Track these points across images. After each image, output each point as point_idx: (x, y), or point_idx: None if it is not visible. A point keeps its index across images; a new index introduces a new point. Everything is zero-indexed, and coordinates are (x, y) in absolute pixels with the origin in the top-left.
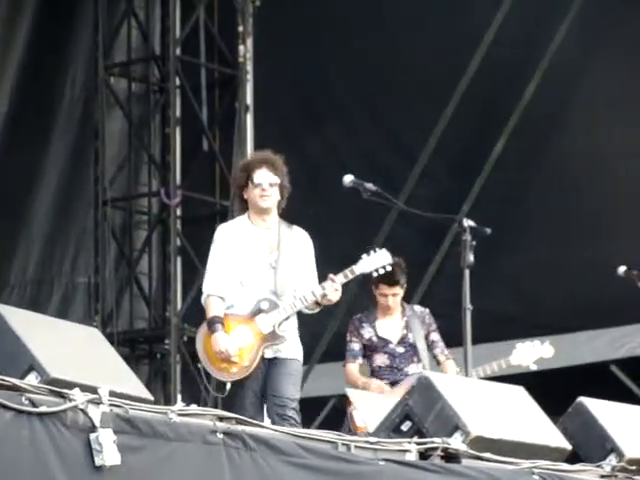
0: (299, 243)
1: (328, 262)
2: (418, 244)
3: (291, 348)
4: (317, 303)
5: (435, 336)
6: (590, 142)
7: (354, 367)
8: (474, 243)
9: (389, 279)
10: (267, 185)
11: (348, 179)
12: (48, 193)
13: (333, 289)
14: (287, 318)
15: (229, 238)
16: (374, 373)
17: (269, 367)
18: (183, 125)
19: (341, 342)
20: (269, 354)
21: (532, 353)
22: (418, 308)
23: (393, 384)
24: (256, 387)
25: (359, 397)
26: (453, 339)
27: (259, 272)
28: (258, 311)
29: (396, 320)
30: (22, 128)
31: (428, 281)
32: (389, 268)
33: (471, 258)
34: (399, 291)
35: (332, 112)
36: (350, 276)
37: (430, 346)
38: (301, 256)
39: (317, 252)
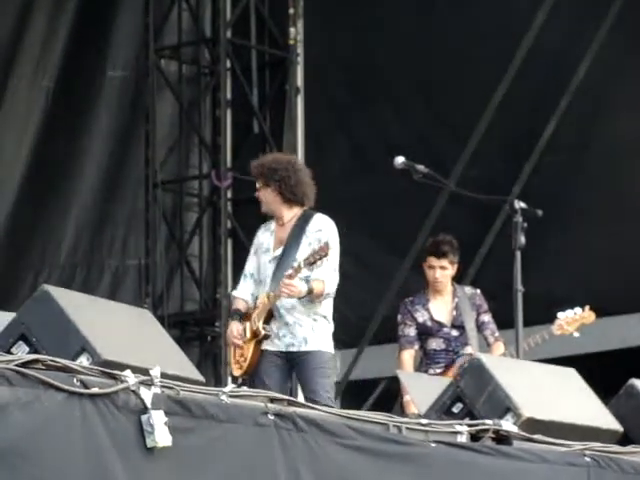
0: (312, 233)
1: (378, 244)
2: (469, 226)
3: (310, 340)
4: (311, 291)
5: (486, 317)
6: None
7: (410, 354)
8: (525, 225)
9: (436, 250)
10: (257, 194)
11: (399, 160)
12: (98, 175)
13: (284, 284)
14: (271, 313)
15: (256, 241)
16: (429, 356)
17: (293, 362)
18: (233, 107)
19: (391, 324)
20: (281, 347)
21: (574, 321)
22: (469, 289)
23: (448, 367)
24: (272, 382)
25: (410, 379)
26: (504, 321)
27: (266, 268)
28: (255, 307)
29: (447, 301)
30: (70, 107)
31: (479, 263)
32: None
33: (522, 240)
34: (447, 265)
35: (381, 94)
36: (295, 273)
37: (480, 327)
38: (309, 247)
39: (367, 234)
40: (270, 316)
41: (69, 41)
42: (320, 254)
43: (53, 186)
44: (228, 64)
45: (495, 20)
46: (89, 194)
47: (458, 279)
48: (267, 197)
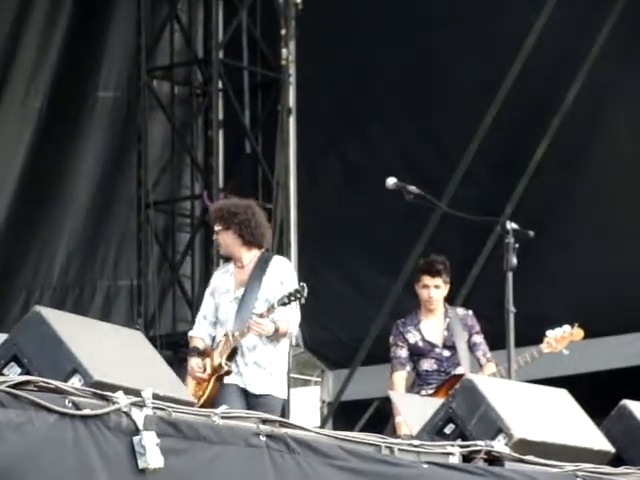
0: (271, 274)
1: (370, 265)
2: (460, 246)
3: (262, 383)
4: (277, 331)
5: (477, 338)
6: (633, 144)
7: (402, 375)
8: (517, 246)
9: (430, 269)
10: (214, 237)
11: (391, 181)
12: (90, 195)
13: (255, 323)
14: (235, 350)
15: (213, 283)
16: (421, 377)
17: (248, 399)
18: (225, 128)
19: (384, 345)
20: (240, 383)
21: (562, 338)
22: (461, 310)
23: (439, 388)
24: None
25: (402, 400)
26: (496, 341)
27: (227, 308)
28: (217, 345)
29: (439, 321)
30: (61, 128)
31: (471, 283)
32: (303, 301)
33: (514, 261)
34: (441, 284)
35: (374, 114)
36: (266, 313)
37: (472, 348)
38: (271, 286)
39: (359, 254)
40: (233, 354)
41: (60, 61)
42: (296, 296)
43: (44, 206)
44: (220, 85)
45: (487, 40)
46: (81, 214)
47: (450, 299)
48: (227, 240)
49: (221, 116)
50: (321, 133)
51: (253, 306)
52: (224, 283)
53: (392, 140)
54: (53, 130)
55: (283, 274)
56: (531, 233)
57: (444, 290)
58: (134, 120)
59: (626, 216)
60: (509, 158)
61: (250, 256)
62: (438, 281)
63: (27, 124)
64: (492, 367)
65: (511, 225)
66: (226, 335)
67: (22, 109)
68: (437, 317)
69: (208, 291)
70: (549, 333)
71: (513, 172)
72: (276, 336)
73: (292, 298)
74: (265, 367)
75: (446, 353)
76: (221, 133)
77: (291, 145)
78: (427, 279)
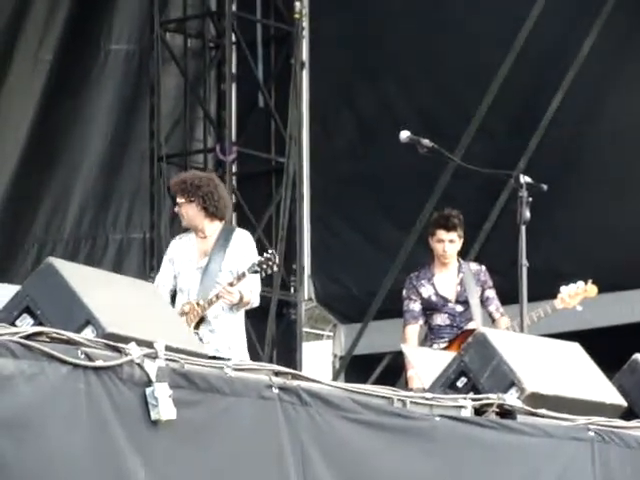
0: (234, 246)
1: (383, 219)
2: (474, 201)
3: (227, 348)
4: (241, 300)
5: (490, 293)
6: None
7: (414, 329)
8: (530, 199)
9: (446, 223)
10: (177, 209)
11: (404, 135)
12: (102, 148)
13: (226, 291)
14: (202, 319)
15: (171, 251)
16: (433, 332)
17: None
18: (239, 81)
19: (396, 299)
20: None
21: (576, 294)
22: (474, 265)
23: (452, 342)
24: None
25: (415, 354)
26: (508, 296)
27: (190, 277)
28: (181, 314)
29: (452, 276)
30: (74, 81)
31: (483, 238)
32: (275, 269)
33: (527, 214)
34: (455, 238)
35: (387, 68)
36: (236, 282)
37: (485, 303)
38: (235, 258)
39: (372, 208)
40: (200, 322)
41: (72, 14)
42: (268, 264)
43: (57, 159)
44: (233, 38)
45: None
46: (93, 167)
47: (462, 254)
48: (190, 212)
49: (234, 69)
50: (334, 87)
51: (217, 275)
52: (185, 252)
53: (406, 94)
54: (65, 83)
55: (246, 246)
56: (545, 187)
57: (458, 244)
58: (147, 73)
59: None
60: (523, 112)
61: (213, 227)
62: (453, 235)
63: (39, 77)
64: (506, 321)
65: (525, 179)
66: (190, 304)
67: (34, 62)
68: (450, 272)
69: (166, 258)
70: (563, 289)
71: (527, 126)
72: (239, 305)
73: (263, 266)
74: (228, 334)
75: (459, 308)
76: (234, 86)
77: (304, 99)
78: (442, 233)
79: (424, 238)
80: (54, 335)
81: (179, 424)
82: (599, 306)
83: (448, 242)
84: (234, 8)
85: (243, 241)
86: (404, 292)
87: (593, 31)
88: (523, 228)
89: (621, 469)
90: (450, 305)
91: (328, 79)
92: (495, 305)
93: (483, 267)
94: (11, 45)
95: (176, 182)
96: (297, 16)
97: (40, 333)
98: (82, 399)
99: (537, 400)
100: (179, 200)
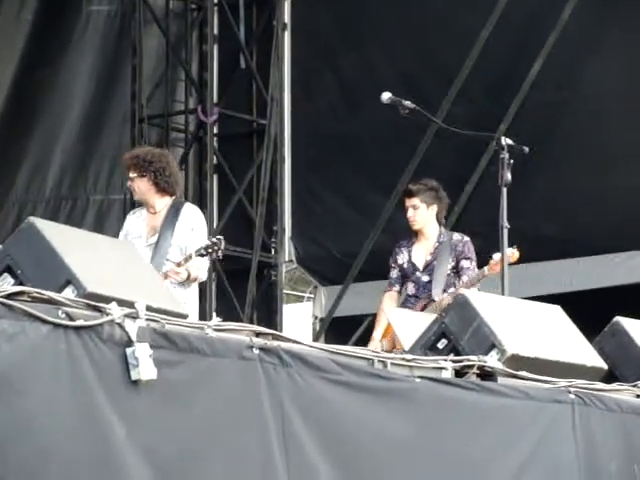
0: (183, 221)
1: (364, 181)
2: (455, 163)
3: None
4: (188, 277)
5: (465, 263)
6: (629, 64)
7: (389, 295)
8: (512, 162)
9: (407, 189)
10: (129, 184)
11: (386, 96)
12: (83, 109)
13: (173, 271)
14: None
15: (126, 227)
16: (404, 301)
17: None
18: (220, 43)
19: (376, 261)
20: None
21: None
22: (456, 236)
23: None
24: None
25: (396, 315)
26: (488, 259)
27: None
28: None
29: (428, 245)
30: (53, 41)
31: (464, 201)
32: (220, 254)
33: (509, 177)
34: (418, 204)
35: (369, 31)
36: (184, 262)
37: (459, 273)
38: (183, 233)
39: (353, 171)
40: None
41: None
42: (213, 248)
43: (38, 120)
44: None
45: None
46: (74, 128)
47: (445, 217)
48: (142, 187)
49: (216, 31)
50: (316, 49)
51: (167, 252)
52: (137, 228)
53: (388, 57)
54: (46, 44)
55: (194, 221)
56: (526, 149)
57: (424, 211)
58: (128, 34)
59: (620, 135)
60: (504, 76)
61: (163, 203)
62: (414, 201)
63: (20, 37)
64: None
65: (506, 141)
66: None
67: (15, 22)
68: (429, 241)
69: (122, 234)
70: (495, 256)
71: (508, 90)
72: (187, 282)
73: (209, 250)
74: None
75: (425, 278)
76: (216, 48)
77: (286, 61)
78: (405, 200)
79: (404, 201)
80: (35, 295)
81: (160, 384)
82: (581, 269)
83: (411, 208)
84: None
85: (191, 216)
86: (390, 259)
87: None
88: (504, 190)
89: (601, 431)
90: (417, 274)
91: (310, 41)
92: (467, 276)
93: (465, 238)
94: None
95: (128, 157)
96: None
97: (21, 292)
98: (63, 359)
99: (518, 362)
100: (131, 174)
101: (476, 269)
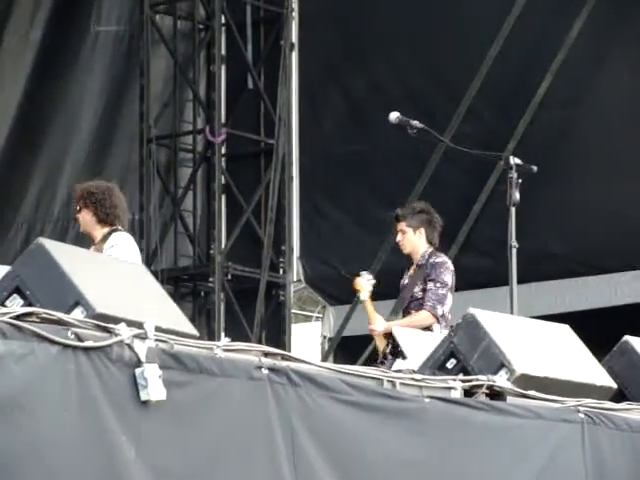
0: (107, 250)
1: (372, 200)
2: (463, 183)
3: None
4: None
5: (429, 285)
6: (637, 80)
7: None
8: (520, 181)
9: (394, 215)
10: (76, 216)
11: (394, 116)
12: (92, 129)
13: None
14: None
15: None
16: None
17: None
18: (228, 63)
19: (385, 280)
20: None
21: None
22: (433, 258)
23: None
24: None
25: (404, 334)
26: (498, 278)
27: None
28: None
29: (413, 268)
30: (62, 62)
31: (472, 220)
32: None
33: (517, 196)
34: (405, 228)
35: (377, 50)
36: None
37: (423, 294)
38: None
39: (361, 190)
40: None
41: None
42: None
43: (46, 140)
44: (223, 19)
45: None
46: (82, 149)
47: (451, 236)
48: (84, 218)
49: (223, 51)
50: (324, 68)
51: None
52: None
53: (395, 76)
54: (54, 64)
55: (115, 248)
56: (534, 168)
57: (411, 235)
58: (136, 54)
59: (628, 152)
60: (512, 94)
61: (102, 234)
62: (402, 225)
63: (28, 57)
64: (421, 314)
65: (514, 160)
66: None
67: (23, 42)
68: (415, 264)
69: None
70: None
71: (516, 108)
72: None
73: None
74: None
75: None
76: (223, 68)
77: (293, 80)
78: (395, 224)
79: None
80: (44, 315)
81: (169, 405)
82: (589, 288)
83: (399, 232)
84: None
85: (115, 237)
86: None
87: (582, 14)
88: (513, 209)
89: (611, 451)
90: (400, 296)
91: (318, 61)
92: (427, 298)
93: (438, 260)
94: (1, 25)
95: (76, 189)
96: None
97: (30, 313)
98: (72, 379)
99: (527, 381)
100: (77, 207)
101: (441, 290)
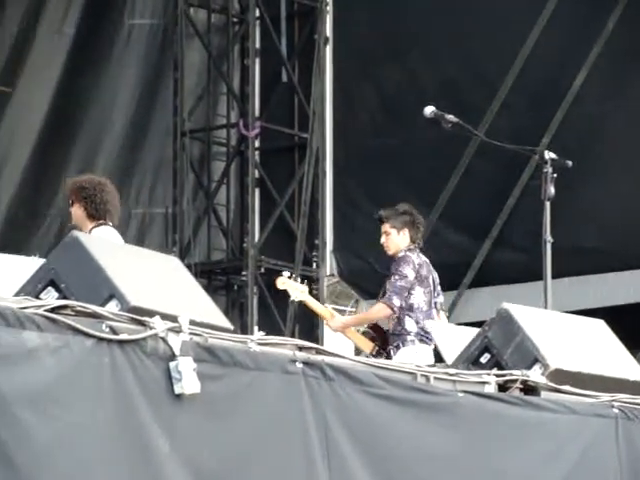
0: None
1: (406, 194)
2: (496, 177)
3: None
4: None
5: (390, 279)
6: None
7: None
8: (555, 175)
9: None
10: (70, 209)
11: (429, 110)
12: (125, 123)
13: None
14: None
15: None
16: None
17: None
18: (262, 56)
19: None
20: None
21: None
22: (402, 253)
23: None
24: None
25: (438, 329)
26: (532, 273)
27: None
28: None
29: None
30: (96, 55)
31: (506, 214)
32: None
33: (552, 191)
34: (389, 230)
35: (411, 43)
36: None
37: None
38: None
39: (395, 184)
40: None
41: None
42: None
43: (80, 133)
44: (257, 13)
45: None
46: (116, 142)
47: (486, 230)
48: (75, 213)
49: (258, 44)
50: (358, 62)
51: None
52: None
53: (429, 69)
54: (88, 57)
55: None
56: (569, 163)
57: (395, 236)
58: (170, 48)
59: None
60: (546, 88)
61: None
62: (386, 227)
63: (62, 51)
64: (374, 307)
65: (549, 154)
66: None
67: (57, 36)
68: None
69: None
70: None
71: (550, 103)
72: None
73: None
74: None
75: None
76: (257, 61)
77: (327, 74)
78: (379, 226)
79: (446, 214)
80: (79, 308)
81: (203, 398)
82: (624, 283)
83: (384, 234)
84: None
85: (93, 233)
86: None
87: (618, 8)
88: (548, 204)
89: None
90: None
91: (351, 54)
92: (385, 291)
93: (402, 254)
94: (35, 19)
95: (68, 183)
96: None
97: (65, 306)
98: (107, 372)
99: (561, 376)
100: (69, 201)
101: (399, 282)
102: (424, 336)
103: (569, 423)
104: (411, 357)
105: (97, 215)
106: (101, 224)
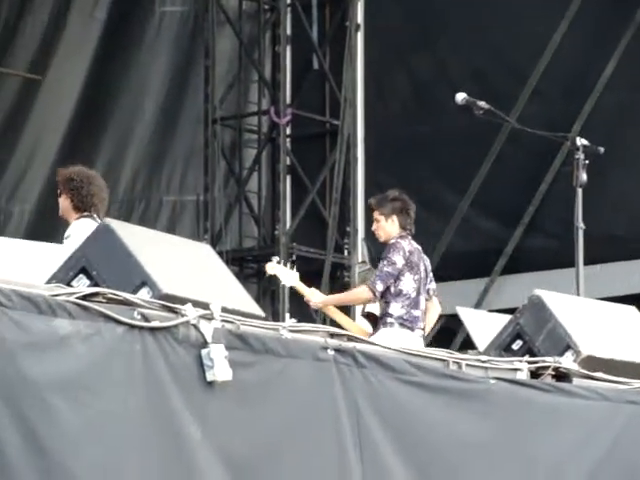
0: (64, 240)
1: (437, 181)
2: (528, 164)
3: None
4: None
5: (379, 265)
6: None
7: None
8: (587, 162)
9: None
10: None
11: (461, 96)
12: (156, 110)
13: None
14: None
15: None
16: None
17: None
18: (293, 43)
19: (449, 262)
20: None
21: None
22: (393, 240)
23: None
24: None
25: (470, 316)
26: (564, 259)
27: None
28: None
29: None
30: (127, 41)
31: (538, 200)
32: None
33: (584, 177)
34: (378, 217)
35: (442, 31)
36: None
37: None
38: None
39: (427, 171)
40: None
41: None
42: None
43: (110, 120)
44: (288, 0)
45: None
46: (147, 129)
47: (517, 216)
48: (62, 203)
49: (289, 31)
50: (389, 49)
51: None
52: None
53: (460, 56)
54: (119, 44)
55: (71, 230)
56: (601, 150)
57: (384, 223)
58: (201, 35)
59: None
60: (578, 76)
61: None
62: (376, 214)
63: (93, 36)
64: (357, 289)
65: (581, 141)
66: None
67: (89, 21)
68: None
69: None
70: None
71: (581, 90)
72: None
73: None
74: None
75: None
76: (289, 49)
77: (359, 61)
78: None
79: (478, 201)
80: (110, 296)
81: (235, 385)
82: None
83: (374, 221)
84: None
85: (72, 227)
86: None
87: None
88: (580, 190)
89: None
90: None
91: (383, 41)
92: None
93: (393, 241)
94: (66, 6)
95: (58, 173)
96: None
97: (96, 294)
98: (138, 360)
99: (593, 363)
100: (58, 190)
101: (386, 268)
102: (407, 321)
103: (601, 410)
104: (385, 339)
105: (82, 207)
106: (85, 216)
